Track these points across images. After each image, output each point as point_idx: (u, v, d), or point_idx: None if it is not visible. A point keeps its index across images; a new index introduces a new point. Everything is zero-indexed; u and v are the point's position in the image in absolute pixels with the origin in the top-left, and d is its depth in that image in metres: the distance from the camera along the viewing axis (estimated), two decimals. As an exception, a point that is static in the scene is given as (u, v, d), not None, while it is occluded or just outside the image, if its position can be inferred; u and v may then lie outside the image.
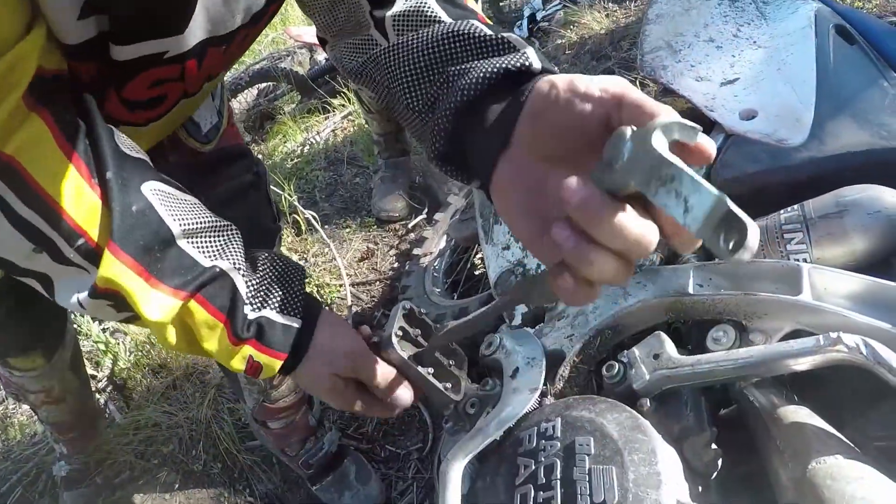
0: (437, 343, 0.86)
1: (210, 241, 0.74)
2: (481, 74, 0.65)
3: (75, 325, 2.29)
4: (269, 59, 3.78)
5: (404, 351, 0.85)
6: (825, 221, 0.90)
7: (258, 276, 0.79)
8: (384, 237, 2.55)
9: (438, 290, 1.80)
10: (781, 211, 0.94)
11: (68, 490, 1.88)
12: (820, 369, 0.77)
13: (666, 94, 1.31)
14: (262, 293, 0.78)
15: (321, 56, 3.67)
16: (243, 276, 0.76)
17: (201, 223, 0.73)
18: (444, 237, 2.00)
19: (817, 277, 0.84)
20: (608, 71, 2.77)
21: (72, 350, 1.56)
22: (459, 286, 1.87)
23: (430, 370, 0.86)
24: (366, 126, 2.91)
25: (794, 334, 0.81)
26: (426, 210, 2.53)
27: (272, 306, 0.78)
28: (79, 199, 0.64)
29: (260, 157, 3.22)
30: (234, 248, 0.77)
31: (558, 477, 0.72)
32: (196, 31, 0.77)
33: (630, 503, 0.66)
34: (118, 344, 2.33)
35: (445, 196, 2.44)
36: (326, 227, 2.64)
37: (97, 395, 2.13)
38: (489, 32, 0.69)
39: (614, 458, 0.70)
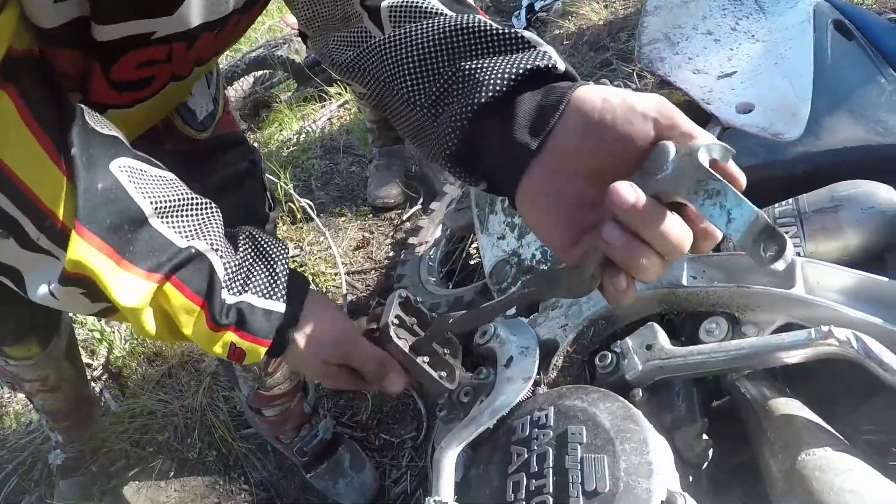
0: (438, 333, 0.86)
1: (185, 220, 0.71)
2: (505, 71, 0.62)
3: (70, 314, 2.29)
4: (266, 47, 3.77)
5: (400, 339, 0.85)
6: (819, 216, 0.91)
7: (238, 256, 0.75)
8: (380, 226, 2.55)
9: (434, 279, 1.81)
10: (776, 204, 0.95)
11: (64, 478, 1.89)
12: (812, 363, 0.78)
13: (663, 85, 1.31)
14: (241, 276, 0.74)
15: (318, 44, 3.65)
16: (221, 257, 0.73)
17: (175, 201, 0.70)
18: (440, 226, 2.00)
19: (810, 271, 0.84)
20: (606, 62, 2.77)
21: (67, 338, 1.57)
22: (455, 275, 1.88)
23: (426, 359, 0.87)
24: (360, 114, 2.90)
25: (787, 327, 0.82)
26: (422, 199, 2.54)
27: (253, 290, 0.74)
28: (46, 177, 0.62)
29: (256, 145, 3.22)
30: (211, 227, 0.73)
31: (550, 465, 0.73)
32: (187, 13, 0.76)
33: (621, 492, 0.67)
34: (113, 332, 2.34)
35: (441, 185, 2.44)
36: (322, 215, 2.64)
37: (92, 384, 2.13)
38: (499, 28, 0.67)
39: (606, 447, 0.71)
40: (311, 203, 2.60)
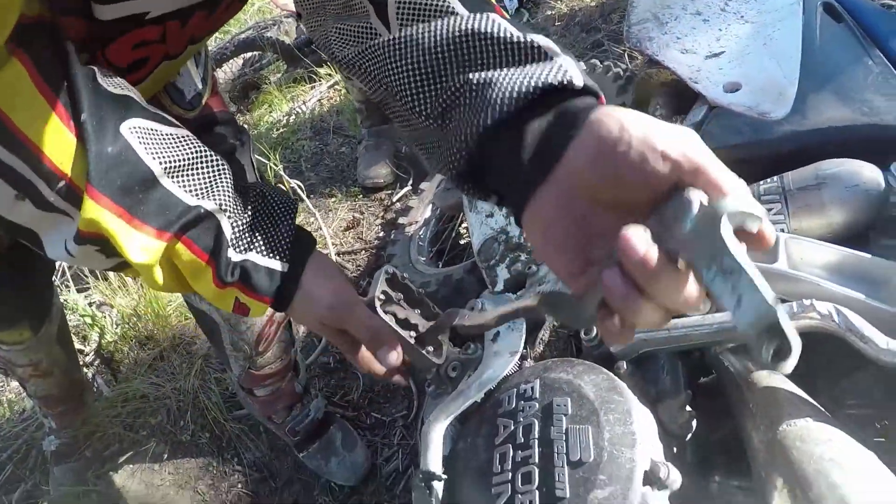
0: (442, 328, 0.85)
1: (195, 178, 0.72)
2: (515, 89, 0.57)
3: (61, 298, 2.30)
4: (255, 29, 3.74)
5: (387, 314, 0.86)
6: (803, 193, 0.92)
7: (246, 215, 0.77)
8: (370, 206, 2.55)
9: (424, 258, 1.82)
10: (761, 182, 0.96)
11: (58, 464, 1.89)
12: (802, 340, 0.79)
13: (651, 65, 1.32)
14: (247, 234, 0.76)
15: (308, 25, 3.63)
16: (229, 217, 0.74)
17: (186, 159, 0.71)
18: (430, 206, 2.01)
19: (794, 247, 0.85)
20: (597, 43, 2.77)
21: (58, 323, 1.57)
22: (445, 255, 1.88)
23: (412, 334, 0.88)
24: (349, 95, 2.90)
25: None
26: (411, 180, 2.54)
27: (257, 248, 0.76)
28: (58, 141, 0.63)
29: (245, 126, 3.21)
30: (221, 184, 0.74)
31: (536, 436, 0.74)
32: None
33: (605, 461, 0.68)
34: (104, 317, 2.33)
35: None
36: (312, 196, 2.64)
37: (84, 370, 2.13)
38: (515, 33, 0.61)
39: (590, 417, 0.72)
40: (301, 184, 2.60)
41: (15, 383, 2.16)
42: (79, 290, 2.39)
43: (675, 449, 0.80)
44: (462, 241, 1.94)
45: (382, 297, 0.87)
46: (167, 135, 0.72)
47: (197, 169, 0.72)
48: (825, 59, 1.15)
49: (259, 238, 0.76)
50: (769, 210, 0.92)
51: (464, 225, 1.95)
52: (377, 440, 1.83)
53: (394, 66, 0.68)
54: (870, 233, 0.94)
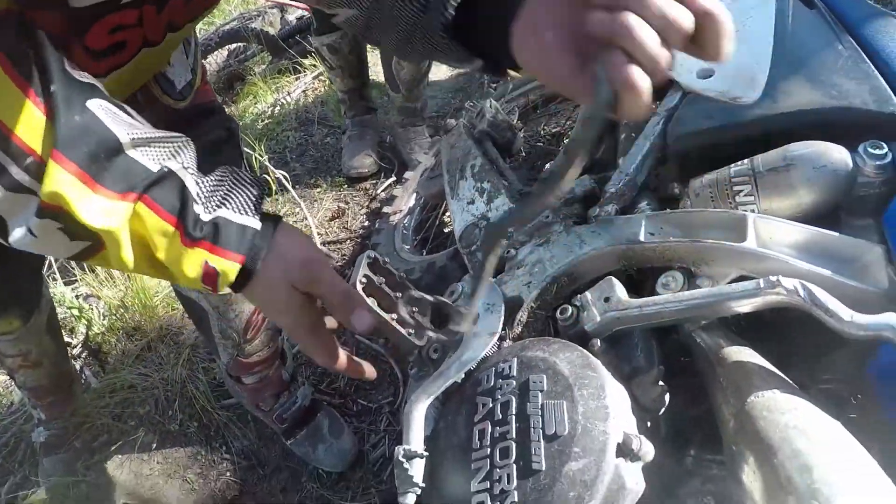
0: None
1: (160, 149, 0.71)
2: None
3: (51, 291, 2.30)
4: (240, 20, 3.73)
5: (369, 298, 0.88)
6: (773, 174, 0.94)
7: (214, 178, 0.74)
8: (355, 196, 2.57)
9: (408, 246, 1.83)
10: (732, 164, 0.98)
11: (48, 456, 1.90)
12: (771, 316, 0.81)
13: (627, 52, 1.33)
14: (217, 194, 0.73)
15: (292, 16, 3.63)
16: (193, 174, 0.72)
17: (152, 134, 0.70)
18: (414, 195, 2.02)
19: (762, 226, 0.88)
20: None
21: (48, 314, 1.57)
22: (429, 243, 1.90)
23: (394, 316, 0.90)
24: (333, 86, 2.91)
25: (742, 281, 0.85)
26: (396, 170, 2.56)
27: (228, 206, 0.72)
28: (27, 119, 0.63)
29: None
30: (186, 154, 0.74)
31: (513, 413, 0.77)
32: None
33: (579, 434, 0.71)
34: (92, 309, 2.34)
35: (409, 154, 2.46)
36: (297, 186, 2.64)
37: (72, 361, 2.14)
38: None
39: (565, 393, 0.74)
40: (286, 175, 2.61)
41: (3, 376, 2.16)
42: (66, 283, 2.39)
43: (648, 423, 0.83)
44: (446, 230, 1.96)
45: (364, 280, 0.89)
46: (132, 116, 0.72)
47: (163, 142, 0.72)
48: (797, 44, 1.17)
49: (230, 197, 0.73)
50: (740, 192, 0.95)
51: (447, 214, 1.96)
52: (364, 427, 1.85)
53: None
54: (840, 213, 0.96)
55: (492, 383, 0.82)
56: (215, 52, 3.67)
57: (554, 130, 2.20)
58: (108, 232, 0.67)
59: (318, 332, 0.81)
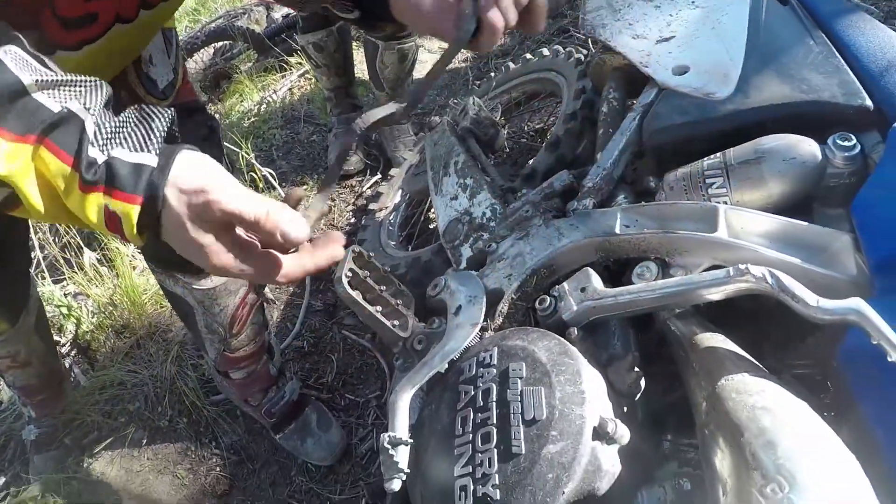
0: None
1: (68, 91, 0.66)
2: None
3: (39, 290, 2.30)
4: (226, 18, 3.74)
5: (354, 290, 0.90)
6: (744, 167, 0.97)
7: (117, 119, 0.69)
8: (341, 193, 2.59)
9: (393, 242, 1.86)
10: (705, 158, 1.01)
11: (38, 453, 1.92)
12: (745, 304, 0.84)
13: (605, 50, 1.36)
14: (114, 134, 0.67)
15: (278, 14, 3.64)
16: (93, 114, 0.67)
17: (61, 79, 0.66)
18: (399, 192, 2.05)
19: (734, 217, 0.91)
20: (562, 29, 2.82)
21: (36, 314, 1.59)
22: (414, 238, 1.93)
23: (379, 309, 0.92)
24: (319, 83, 2.92)
25: (714, 270, 0.88)
26: (381, 167, 2.58)
27: (123, 145, 0.66)
28: None
29: (217, 116, 3.21)
30: (94, 96, 0.68)
31: (494, 399, 0.79)
32: None
33: (557, 418, 0.74)
34: (80, 307, 2.35)
35: (394, 152, 2.48)
36: (284, 184, 2.66)
37: (61, 360, 2.15)
38: None
39: (543, 379, 0.77)
40: (272, 172, 2.62)
41: (-6, 378, 2.17)
42: (54, 281, 2.40)
43: (625, 408, 0.85)
44: (431, 226, 1.99)
45: (350, 274, 0.91)
46: (48, 67, 0.68)
47: (73, 84, 0.67)
48: (769, 40, 1.20)
49: (125, 135, 0.67)
50: (712, 185, 0.97)
51: (432, 210, 1.99)
52: (352, 421, 1.88)
53: None
54: (813, 203, 0.99)
55: (473, 372, 0.84)
56: (201, 51, 3.67)
57: (537, 127, 2.23)
58: (12, 176, 0.63)
59: (246, 260, 0.70)
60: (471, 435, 0.79)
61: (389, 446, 0.79)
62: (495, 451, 0.76)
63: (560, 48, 1.89)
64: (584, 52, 1.81)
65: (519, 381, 0.78)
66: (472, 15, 0.81)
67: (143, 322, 2.27)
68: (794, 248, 0.89)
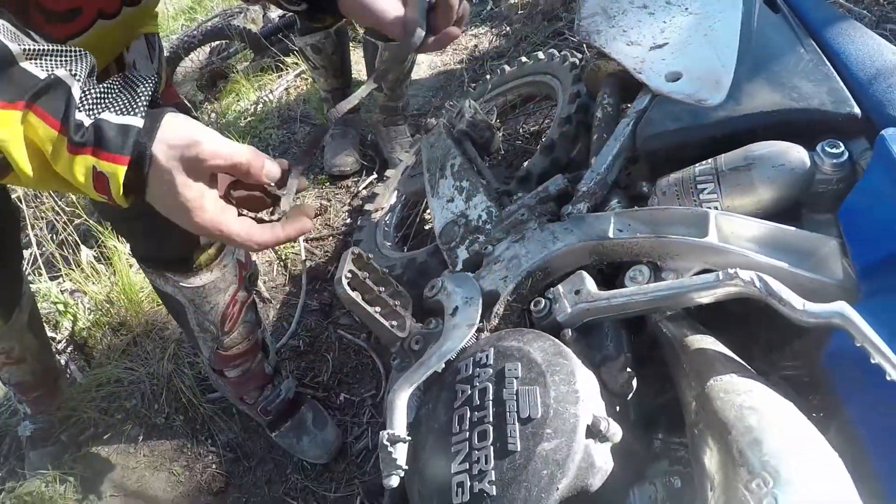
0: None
1: (54, 59, 0.68)
2: None
3: (33, 286, 2.30)
4: (222, 17, 3.74)
5: (354, 291, 0.92)
6: (735, 173, 0.99)
7: (102, 85, 0.71)
8: (337, 194, 2.60)
9: (389, 243, 1.87)
10: (696, 164, 1.03)
11: (34, 449, 1.92)
12: (737, 309, 0.86)
13: (600, 56, 1.39)
14: (101, 99, 0.70)
15: (274, 13, 3.65)
16: (79, 80, 0.69)
17: (48, 48, 0.68)
18: (395, 193, 2.07)
19: (724, 222, 0.93)
20: (558, 32, 2.84)
21: (29, 311, 1.60)
22: (409, 239, 1.94)
23: (378, 309, 0.94)
24: (316, 84, 2.94)
25: (705, 274, 0.90)
26: (377, 168, 2.60)
27: (110, 108, 0.69)
28: None
29: (213, 116, 3.23)
30: (81, 63, 0.70)
31: (490, 398, 0.81)
32: None
33: (551, 417, 0.76)
34: (77, 304, 2.35)
35: (391, 153, 2.50)
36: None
37: (58, 356, 2.15)
38: None
39: (538, 379, 0.79)
40: (269, 173, 2.63)
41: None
42: (51, 278, 2.41)
43: (618, 408, 0.88)
44: (427, 227, 2.00)
45: (349, 275, 0.93)
46: (34, 40, 0.70)
47: (57, 54, 0.69)
48: (761, 47, 1.22)
49: (112, 99, 0.70)
50: (703, 190, 1.00)
51: (428, 211, 2.01)
52: (347, 419, 1.89)
53: None
54: (802, 209, 1.02)
55: (470, 371, 0.87)
56: (198, 50, 3.68)
57: (532, 129, 2.25)
58: (2, 142, 0.65)
59: (226, 222, 0.74)
60: (467, 433, 0.82)
61: (388, 444, 0.81)
62: (491, 448, 0.78)
63: (555, 51, 1.91)
64: (579, 55, 1.84)
65: (515, 380, 0.81)
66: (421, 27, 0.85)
67: (139, 319, 2.28)
68: (783, 252, 0.92)
